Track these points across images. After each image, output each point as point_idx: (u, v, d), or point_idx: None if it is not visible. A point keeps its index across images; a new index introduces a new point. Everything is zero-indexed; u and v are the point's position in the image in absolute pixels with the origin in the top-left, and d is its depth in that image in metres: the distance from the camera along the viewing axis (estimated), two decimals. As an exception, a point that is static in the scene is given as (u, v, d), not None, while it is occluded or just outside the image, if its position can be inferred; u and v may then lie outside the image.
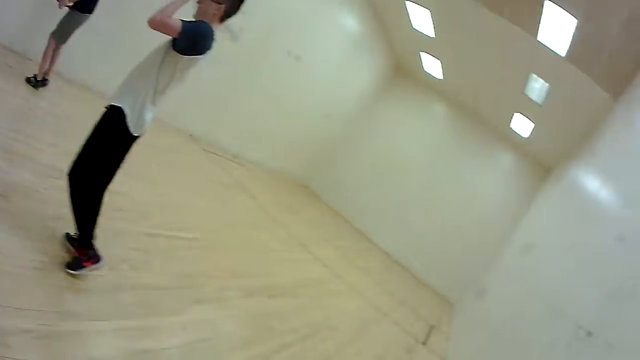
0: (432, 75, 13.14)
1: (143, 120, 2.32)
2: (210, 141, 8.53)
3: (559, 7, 6.17)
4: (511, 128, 12.00)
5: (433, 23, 9.90)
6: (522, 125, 11.33)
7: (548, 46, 7.45)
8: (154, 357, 2.38)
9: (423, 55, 12.19)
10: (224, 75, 7.80)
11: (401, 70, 14.26)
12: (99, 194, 2.41)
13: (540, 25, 7.03)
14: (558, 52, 7.35)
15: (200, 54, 2.33)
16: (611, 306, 2.74)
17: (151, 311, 2.71)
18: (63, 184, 2.41)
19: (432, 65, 12.50)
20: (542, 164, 12.53)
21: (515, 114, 11.00)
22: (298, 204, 10.30)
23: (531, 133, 11.33)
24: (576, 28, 6.33)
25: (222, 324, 3.26)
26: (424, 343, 6.79)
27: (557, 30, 6.86)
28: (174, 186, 5.20)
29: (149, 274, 3.09)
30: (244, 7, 2.45)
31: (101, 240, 2.53)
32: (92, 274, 2.46)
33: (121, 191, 3.53)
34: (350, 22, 10.95)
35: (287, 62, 9.37)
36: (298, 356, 3.62)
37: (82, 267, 2.36)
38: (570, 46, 6.93)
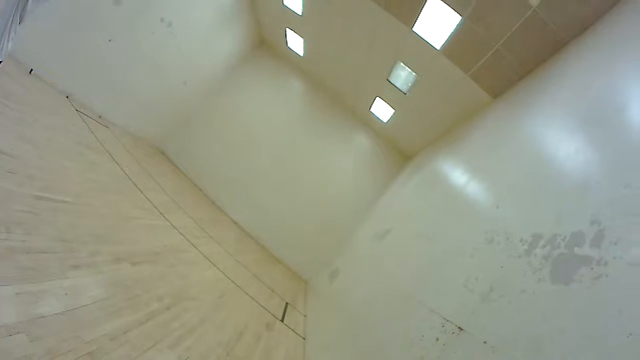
0: (294, 52, 13.15)
1: None
2: (83, 102, 8.35)
3: (444, 4, 6.37)
4: (371, 112, 12.34)
5: (303, 1, 9.91)
6: (382, 110, 11.66)
7: (423, 37, 7.65)
8: (47, 323, 2.58)
9: (288, 31, 12.16)
10: (102, 37, 7.71)
11: (265, 44, 14.09)
12: None
13: (419, 17, 7.20)
14: (433, 45, 7.58)
15: None
16: (484, 303, 2.85)
17: (41, 275, 2.93)
18: None
19: (295, 42, 12.52)
20: (402, 151, 13.11)
21: (377, 99, 11.34)
22: (154, 169, 9.91)
23: (391, 118, 11.73)
24: (459, 25, 6.57)
25: (96, 290, 3.39)
26: (281, 320, 6.85)
27: (436, 24, 7.05)
28: (51, 148, 5.20)
29: (38, 237, 3.31)
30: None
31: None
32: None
33: (13, 154, 4.01)
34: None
35: (159, 29, 9.07)
36: (165, 326, 3.79)
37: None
38: (447, 41, 7.17)
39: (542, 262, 2.49)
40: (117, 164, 7.23)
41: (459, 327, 2.95)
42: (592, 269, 2.04)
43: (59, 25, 6.65)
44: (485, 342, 2.48)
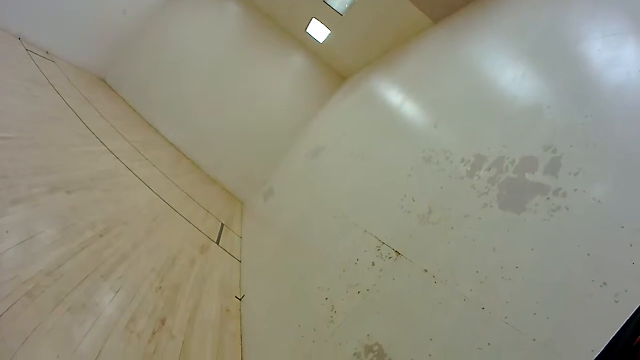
0: None
1: None
2: (32, 41, 8.52)
3: None
4: (307, 32, 11.92)
5: None
6: (318, 31, 11.30)
7: None
8: None
9: None
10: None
11: None
12: None
13: None
14: None
15: None
16: (423, 226, 2.70)
17: None
18: None
19: None
20: (338, 71, 12.88)
21: (313, 20, 10.85)
22: (94, 97, 9.71)
23: (326, 39, 11.34)
24: None
25: (33, 223, 3.39)
26: (217, 242, 6.78)
27: None
28: None
29: None
30: None
31: None
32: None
33: None
34: None
35: None
36: (98, 254, 3.77)
37: None
38: None
39: (487, 186, 2.32)
40: (60, 95, 7.25)
41: (396, 252, 2.81)
42: (548, 198, 1.87)
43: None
44: (425, 270, 2.34)
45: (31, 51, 8.00)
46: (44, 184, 4.11)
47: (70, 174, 4.83)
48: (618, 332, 1.29)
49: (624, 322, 1.29)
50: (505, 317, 1.64)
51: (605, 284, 1.43)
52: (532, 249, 1.76)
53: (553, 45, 2.89)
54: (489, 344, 1.61)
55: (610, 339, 1.29)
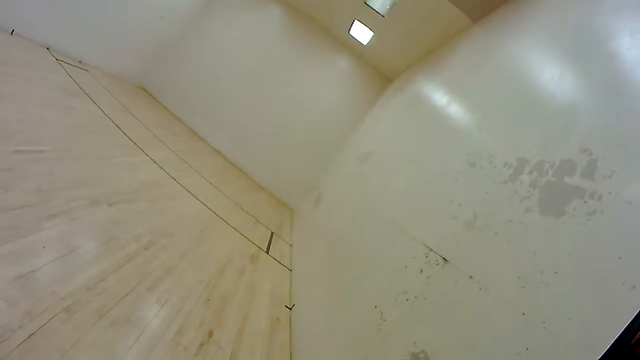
0: None
1: None
2: (63, 51, 8.21)
3: None
4: (350, 35, 11.91)
5: None
6: (361, 32, 11.26)
7: None
8: (26, 282, 2.57)
9: None
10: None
11: None
12: None
13: None
14: None
15: None
16: (469, 232, 2.71)
17: (18, 233, 2.88)
18: None
19: None
20: (383, 74, 12.75)
21: (356, 21, 10.86)
22: (135, 106, 9.63)
23: (370, 41, 11.33)
24: None
25: (72, 238, 3.32)
26: (267, 251, 6.77)
27: None
28: (30, 101, 5.08)
29: (14, 193, 3.25)
30: None
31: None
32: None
33: None
34: None
35: None
36: (143, 268, 3.73)
37: None
38: None
39: (529, 190, 2.32)
40: (97, 105, 7.05)
41: (444, 259, 2.83)
42: (585, 202, 1.87)
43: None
44: (471, 277, 2.36)
45: (62, 61, 7.82)
46: (83, 197, 4.04)
47: (111, 185, 4.75)
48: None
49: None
50: (544, 322, 1.65)
51: (634, 287, 1.43)
52: (570, 254, 1.76)
53: (584, 44, 2.86)
54: (527, 349, 1.64)
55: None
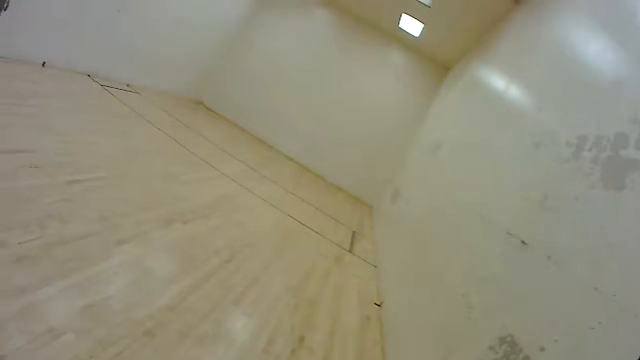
0: None
1: None
2: (106, 76, 8.25)
3: None
4: (400, 28, 11.88)
5: None
6: (411, 25, 11.21)
7: None
8: (99, 310, 2.52)
9: None
10: (109, 9, 7.49)
11: None
12: None
13: None
14: None
15: None
16: (542, 213, 2.78)
17: (84, 263, 2.83)
18: None
19: None
20: (439, 62, 12.64)
21: (403, 15, 10.83)
22: (195, 122, 9.94)
23: (422, 33, 11.27)
24: None
25: (147, 260, 3.35)
26: (350, 251, 6.92)
27: None
28: (79, 129, 5.08)
29: (74, 224, 3.19)
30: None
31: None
32: (26, 239, 2.64)
33: (33, 148, 3.86)
34: None
35: None
36: (225, 282, 3.78)
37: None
38: None
39: (591, 167, 2.37)
40: (154, 125, 7.11)
41: (522, 241, 2.90)
42: (641, 173, 1.93)
43: (58, 9, 6.38)
44: (549, 258, 2.44)
45: (109, 86, 7.82)
46: (154, 219, 4.04)
47: (183, 204, 4.78)
48: None
49: None
50: (614, 295, 1.74)
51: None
52: (634, 226, 1.83)
53: (622, 15, 2.85)
54: (599, 322, 1.73)
55: None
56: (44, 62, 6.67)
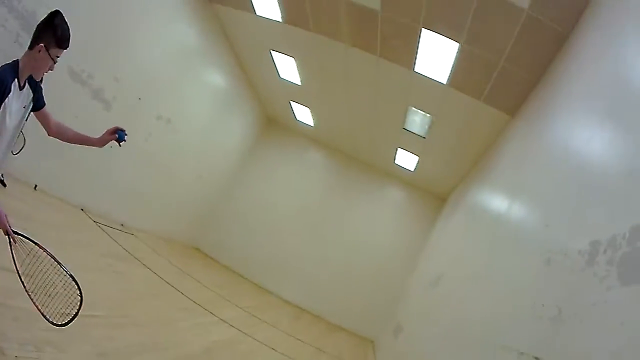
0: (304, 123, 13.36)
1: None
2: (99, 212, 8.19)
3: (438, 34, 6.28)
4: (396, 164, 12.27)
5: (298, 70, 9.94)
6: (407, 159, 11.65)
7: (427, 76, 7.55)
8: None
9: (293, 104, 12.29)
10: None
11: (273, 122, 14.53)
12: None
13: (417, 56, 7.11)
14: (439, 80, 7.46)
15: None
16: (556, 327, 2.65)
17: None
18: None
19: (302, 114, 12.73)
20: (436, 194, 13.05)
21: (399, 150, 11.22)
22: (192, 268, 9.98)
23: (417, 166, 11.60)
24: (458, 52, 6.44)
25: None
26: None
27: (436, 58, 6.94)
28: (72, 266, 4.80)
29: (74, 354, 3.11)
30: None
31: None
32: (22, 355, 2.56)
33: None
34: (217, 80, 11.02)
35: (158, 126, 9.16)
36: None
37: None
38: (452, 72, 7.06)
39: (607, 269, 2.31)
40: (149, 269, 7.10)
41: (536, 358, 2.74)
42: (662, 261, 1.89)
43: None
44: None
45: (102, 224, 7.71)
46: None
47: (182, 349, 4.66)
48: None
49: None
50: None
51: None
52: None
53: (623, 106, 2.98)
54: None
55: None
56: (36, 185, 6.60)
